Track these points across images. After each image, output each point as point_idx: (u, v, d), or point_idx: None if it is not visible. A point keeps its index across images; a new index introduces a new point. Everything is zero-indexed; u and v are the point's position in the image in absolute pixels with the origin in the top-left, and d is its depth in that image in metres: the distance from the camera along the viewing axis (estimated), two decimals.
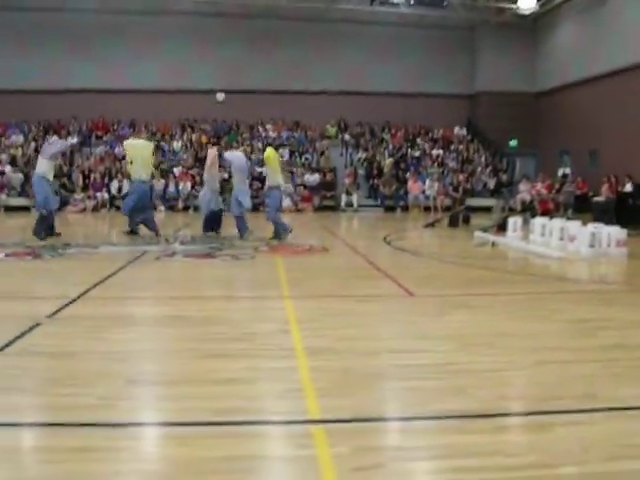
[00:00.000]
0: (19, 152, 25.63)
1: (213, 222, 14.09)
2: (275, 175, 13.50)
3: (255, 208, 17.90)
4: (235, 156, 13.77)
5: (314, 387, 4.18)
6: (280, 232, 13.24)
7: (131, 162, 13.60)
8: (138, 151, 13.62)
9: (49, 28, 27.52)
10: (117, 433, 3.53)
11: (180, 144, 28.15)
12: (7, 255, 10.53)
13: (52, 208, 12.92)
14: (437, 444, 3.37)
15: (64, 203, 23.00)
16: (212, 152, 14.10)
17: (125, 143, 13.98)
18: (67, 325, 5.87)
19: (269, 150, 13.81)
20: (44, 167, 12.76)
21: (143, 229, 13.71)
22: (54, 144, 13.25)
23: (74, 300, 6.89)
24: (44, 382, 4.41)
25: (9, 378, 4.39)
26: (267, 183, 14.06)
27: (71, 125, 27.81)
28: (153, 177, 15.87)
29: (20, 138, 26.99)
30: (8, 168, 24.45)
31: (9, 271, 9.30)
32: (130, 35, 28.07)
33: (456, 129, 30.92)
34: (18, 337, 5.27)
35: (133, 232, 13.63)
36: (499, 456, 3.20)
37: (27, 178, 22.52)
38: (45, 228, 12.66)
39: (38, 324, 5.73)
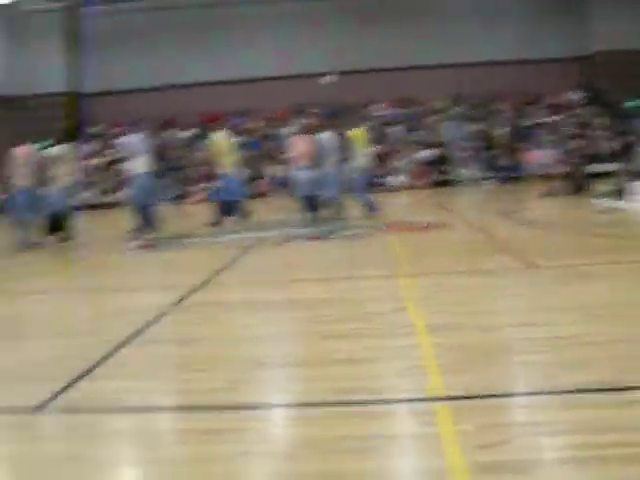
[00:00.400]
0: None
1: (312, 203, 13.96)
2: (360, 155, 13.76)
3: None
4: (325, 138, 13.75)
5: (436, 364, 4.16)
6: (371, 207, 13.45)
7: (220, 154, 13.90)
8: (225, 143, 13.99)
9: (161, 26, 28.41)
10: (244, 415, 3.63)
11: (293, 129, 28.41)
12: (132, 249, 10.98)
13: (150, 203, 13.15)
14: (562, 419, 3.28)
15: (181, 196, 23.87)
16: (304, 140, 13.93)
17: (211, 138, 14.31)
18: (192, 312, 6.08)
19: (357, 130, 13.91)
20: (146, 163, 13.15)
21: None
22: (141, 141, 13.66)
23: (198, 288, 7.12)
24: (173, 368, 4.59)
25: (139, 365, 4.59)
26: (353, 163, 14.01)
27: (185, 119, 28.58)
28: None
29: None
30: None
31: (135, 264, 9.70)
32: (238, 25, 28.57)
33: (571, 93, 29.82)
34: (146, 326, 5.50)
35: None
36: (626, 431, 3.08)
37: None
38: (151, 220, 12.92)
39: (164, 313, 5.96)
